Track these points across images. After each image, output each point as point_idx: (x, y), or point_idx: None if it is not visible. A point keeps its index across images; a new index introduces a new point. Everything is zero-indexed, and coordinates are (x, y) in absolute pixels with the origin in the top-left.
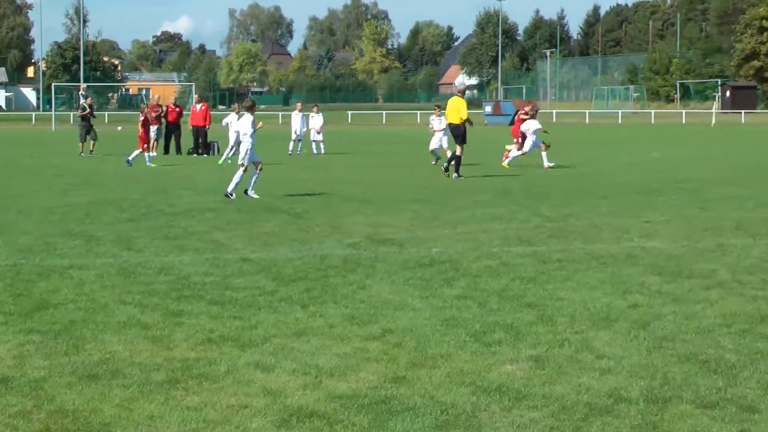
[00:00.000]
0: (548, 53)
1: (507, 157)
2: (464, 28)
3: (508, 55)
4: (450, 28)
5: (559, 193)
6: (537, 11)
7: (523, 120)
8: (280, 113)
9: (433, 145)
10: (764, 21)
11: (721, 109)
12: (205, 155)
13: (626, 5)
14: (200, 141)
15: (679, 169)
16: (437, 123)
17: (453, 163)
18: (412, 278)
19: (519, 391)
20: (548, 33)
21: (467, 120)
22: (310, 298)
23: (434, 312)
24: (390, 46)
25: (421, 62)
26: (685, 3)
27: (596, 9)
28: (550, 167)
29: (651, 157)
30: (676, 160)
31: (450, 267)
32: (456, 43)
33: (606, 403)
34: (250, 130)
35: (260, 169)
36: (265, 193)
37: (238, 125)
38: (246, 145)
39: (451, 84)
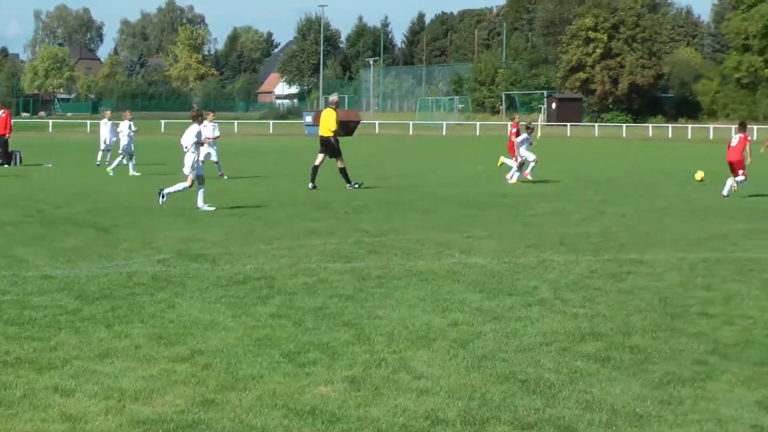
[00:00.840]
0: (371, 62)
1: (509, 176)
2: (285, 34)
3: (330, 63)
4: (270, 35)
5: (380, 208)
6: (360, 18)
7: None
8: (89, 121)
9: (202, 155)
10: (590, 32)
11: (547, 121)
12: (5, 165)
13: (451, 13)
14: (0, 150)
15: (502, 184)
16: (209, 131)
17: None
18: (224, 296)
19: (333, 414)
20: (372, 41)
21: (335, 131)
22: (116, 318)
23: (247, 331)
24: (206, 52)
25: (239, 69)
26: (511, 12)
27: (421, 17)
28: (527, 180)
29: (475, 170)
30: (501, 173)
31: (265, 284)
32: (276, 50)
33: (422, 425)
34: (192, 141)
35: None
36: (68, 206)
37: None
38: (192, 156)
39: (271, 93)
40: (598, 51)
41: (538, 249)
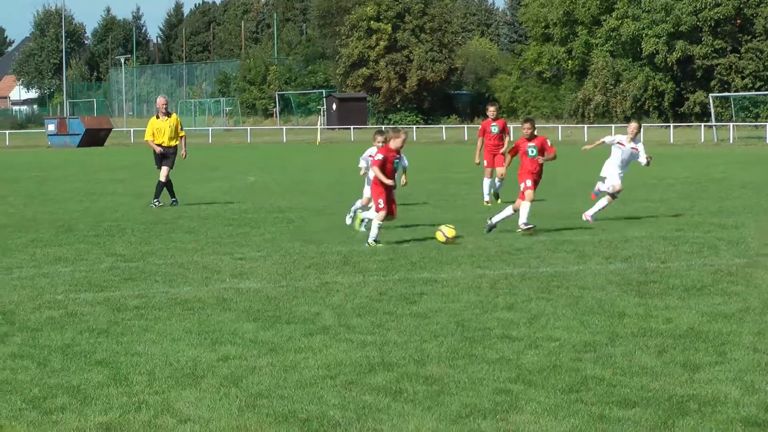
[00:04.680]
0: (123, 60)
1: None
2: (19, 29)
3: (75, 62)
4: (2, 30)
5: (136, 228)
6: (108, 10)
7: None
8: None
9: None
10: (372, 22)
11: (327, 124)
12: None
13: (213, 3)
14: None
15: (278, 196)
16: None
17: None
18: None
19: None
20: (123, 36)
21: None
22: None
23: None
24: None
25: None
26: (281, 2)
27: (179, 8)
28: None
29: (247, 182)
30: (276, 185)
31: (3, 320)
32: (10, 49)
33: None
34: None
35: None
36: None
37: None
38: None
39: (5, 98)
40: (383, 43)
41: (320, 270)
